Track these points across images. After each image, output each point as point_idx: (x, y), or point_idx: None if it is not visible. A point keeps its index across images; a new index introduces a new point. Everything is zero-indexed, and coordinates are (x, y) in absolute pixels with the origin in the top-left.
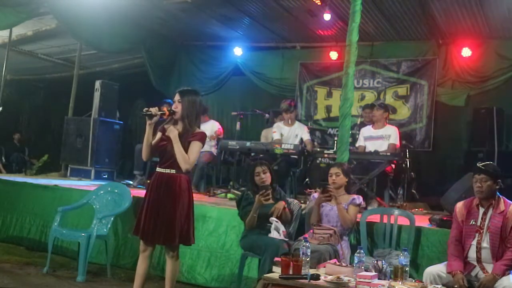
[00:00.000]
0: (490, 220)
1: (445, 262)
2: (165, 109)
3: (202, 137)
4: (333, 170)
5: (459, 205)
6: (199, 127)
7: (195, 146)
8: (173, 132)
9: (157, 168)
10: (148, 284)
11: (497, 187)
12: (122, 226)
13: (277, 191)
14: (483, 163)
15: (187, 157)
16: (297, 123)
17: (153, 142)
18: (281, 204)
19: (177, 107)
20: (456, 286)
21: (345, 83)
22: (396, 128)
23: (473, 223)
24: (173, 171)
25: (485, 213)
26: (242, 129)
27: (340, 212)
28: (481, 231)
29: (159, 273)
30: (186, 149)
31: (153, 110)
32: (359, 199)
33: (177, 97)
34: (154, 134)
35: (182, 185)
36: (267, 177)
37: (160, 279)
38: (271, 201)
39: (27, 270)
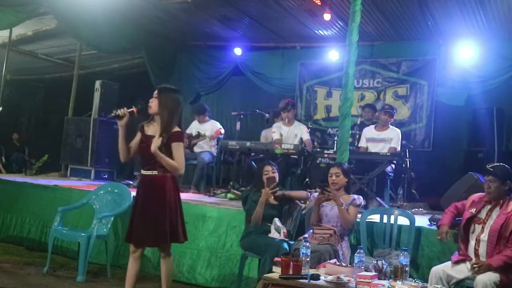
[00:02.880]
0: (495, 217)
1: (449, 262)
2: (133, 107)
3: (180, 137)
4: (333, 170)
5: (473, 195)
6: (179, 126)
7: (179, 148)
8: (154, 146)
9: (141, 170)
10: (148, 284)
11: (506, 188)
12: (122, 226)
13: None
14: (492, 165)
15: (176, 164)
16: (296, 122)
17: (133, 142)
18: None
19: (153, 101)
20: (439, 237)
21: (345, 83)
22: (399, 132)
23: (473, 211)
24: (155, 172)
25: (491, 210)
26: (242, 129)
27: (341, 212)
28: (484, 226)
29: (159, 273)
30: (166, 150)
31: (121, 111)
32: (359, 199)
33: (155, 93)
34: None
35: (167, 185)
36: (276, 177)
37: (160, 279)
38: (274, 201)
39: (27, 270)
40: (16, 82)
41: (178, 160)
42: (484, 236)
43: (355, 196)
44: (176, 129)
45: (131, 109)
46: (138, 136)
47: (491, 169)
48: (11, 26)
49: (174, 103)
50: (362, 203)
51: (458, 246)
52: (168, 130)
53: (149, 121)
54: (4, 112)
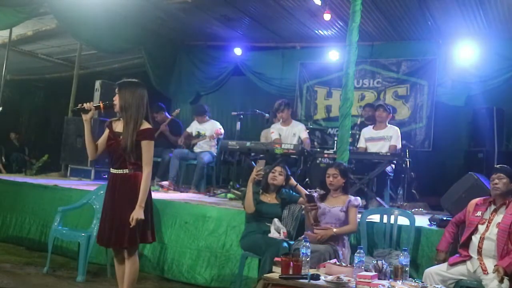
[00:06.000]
0: (501, 217)
1: (445, 263)
2: (100, 102)
3: (151, 134)
4: (331, 171)
5: (474, 200)
6: (147, 121)
7: (149, 147)
8: (135, 220)
9: (110, 169)
10: (148, 284)
11: None
12: None
13: (281, 191)
14: (500, 165)
15: (148, 174)
16: (294, 122)
17: (101, 139)
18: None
19: (116, 99)
20: (435, 262)
21: (345, 83)
22: (398, 129)
23: (479, 214)
24: (126, 170)
25: (495, 210)
26: (242, 129)
27: (344, 231)
28: (489, 224)
29: (159, 273)
30: (134, 146)
31: (87, 105)
32: (356, 200)
33: (116, 89)
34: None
35: (137, 184)
36: (280, 179)
37: (160, 279)
38: (275, 201)
39: (27, 270)
40: (16, 82)
41: (146, 159)
42: (490, 234)
43: (351, 198)
44: (146, 125)
45: (98, 104)
46: (106, 133)
47: (499, 167)
48: (11, 26)
49: (136, 97)
50: (360, 204)
51: (458, 252)
52: (135, 126)
53: (118, 118)
54: (4, 112)
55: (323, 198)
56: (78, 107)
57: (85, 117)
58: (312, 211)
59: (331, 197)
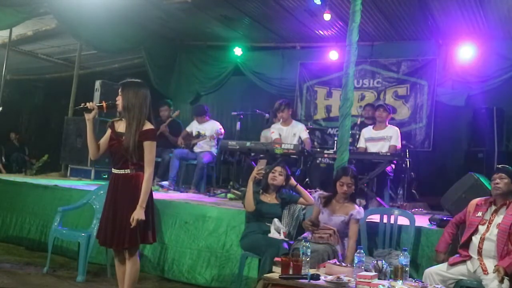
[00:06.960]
0: (502, 217)
1: (445, 263)
2: (103, 102)
3: (153, 135)
4: (346, 179)
5: (474, 200)
6: (150, 122)
7: (151, 148)
8: (135, 220)
9: (112, 169)
10: (149, 284)
11: None
12: None
13: (281, 191)
14: (502, 165)
15: (149, 175)
16: (294, 122)
17: (103, 139)
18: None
19: (119, 99)
20: (435, 262)
21: (345, 83)
22: (397, 129)
23: (479, 215)
24: (127, 171)
25: (496, 211)
26: (242, 129)
27: (352, 251)
28: (489, 225)
29: (159, 273)
30: (136, 146)
31: (90, 104)
32: (359, 214)
33: (119, 90)
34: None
35: (139, 184)
36: (280, 179)
37: (161, 279)
38: (275, 201)
39: (27, 270)
40: (16, 82)
41: (148, 160)
42: (490, 234)
43: (354, 211)
44: (148, 126)
45: (101, 104)
46: (108, 133)
47: (501, 167)
48: (11, 26)
49: (139, 97)
50: (363, 217)
51: (458, 252)
52: (138, 127)
53: (120, 117)
54: (4, 112)
55: (327, 202)
56: (81, 106)
57: (88, 117)
58: (320, 212)
59: (336, 203)
